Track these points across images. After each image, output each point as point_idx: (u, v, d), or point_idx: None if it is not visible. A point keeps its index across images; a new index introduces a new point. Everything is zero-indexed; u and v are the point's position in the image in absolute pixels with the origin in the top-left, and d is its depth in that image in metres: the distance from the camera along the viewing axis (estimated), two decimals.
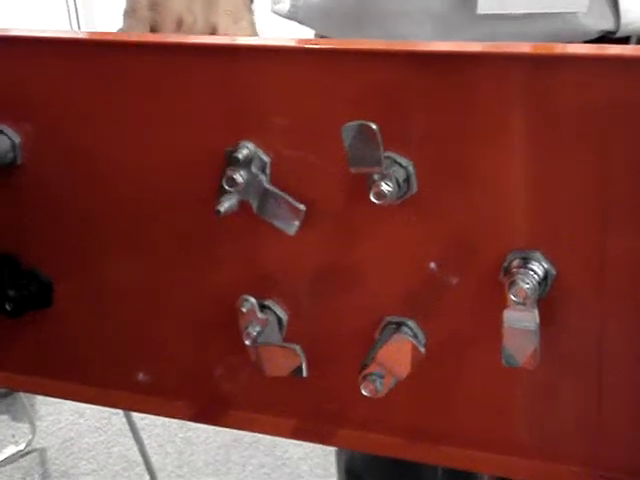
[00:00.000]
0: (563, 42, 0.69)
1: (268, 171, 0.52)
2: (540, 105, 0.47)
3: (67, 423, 2.10)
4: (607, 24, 0.70)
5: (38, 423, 2.06)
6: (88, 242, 0.60)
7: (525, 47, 0.48)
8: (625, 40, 0.72)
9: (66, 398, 0.66)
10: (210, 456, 1.98)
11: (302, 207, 0.52)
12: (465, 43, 0.48)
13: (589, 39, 0.70)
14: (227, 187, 0.51)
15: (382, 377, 0.51)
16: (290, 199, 0.51)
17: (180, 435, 2.03)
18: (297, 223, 0.52)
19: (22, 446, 2.00)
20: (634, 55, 0.44)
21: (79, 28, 2.52)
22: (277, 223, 0.52)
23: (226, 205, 0.51)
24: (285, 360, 0.54)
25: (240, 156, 0.51)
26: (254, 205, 0.52)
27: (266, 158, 0.52)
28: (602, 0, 0.69)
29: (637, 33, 0.71)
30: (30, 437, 2.01)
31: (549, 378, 0.51)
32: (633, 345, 0.49)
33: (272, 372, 0.54)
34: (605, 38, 0.70)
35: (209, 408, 0.61)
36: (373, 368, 0.51)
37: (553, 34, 0.69)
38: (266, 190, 0.51)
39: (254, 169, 0.51)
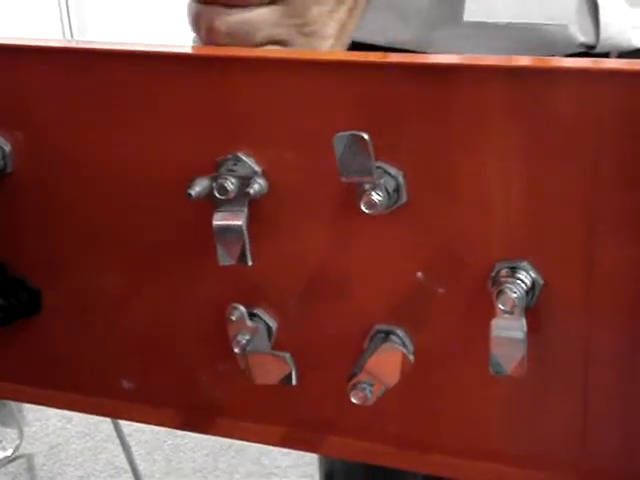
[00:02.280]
0: (545, 51, 0.70)
1: (259, 189, 0.52)
2: (529, 116, 0.47)
3: (55, 429, 2.09)
4: (588, 37, 0.70)
5: (26, 429, 2.05)
6: (76, 250, 0.60)
7: (519, 60, 0.48)
8: (604, 57, 0.72)
9: (52, 406, 0.66)
10: (198, 463, 1.98)
11: (250, 263, 0.52)
12: (458, 55, 0.49)
13: (570, 53, 0.71)
14: (217, 195, 0.51)
15: (371, 385, 0.51)
16: (247, 249, 0.51)
17: (168, 442, 2.03)
18: (233, 263, 0.52)
19: (9, 452, 1.99)
20: (627, 69, 0.45)
21: (72, 36, 2.52)
22: (219, 248, 0.52)
23: (197, 189, 0.51)
24: (275, 368, 0.54)
25: (234, 167, 0.52)
26: (216, 219, 0.51)
27: (262, 181, 0.52)
28: (584, 13, 0.70)
29: (615, 49, 0.71)
30: (18, 442, 2.01)
31: (536, 386, 0.51)
32: (620, 354, 0.49)
33: (261, 380, 0.54)
34: (584, 54, 0.71)
35: (196, 416, 0.61)
36: (362, 376, 0.51)
37: (535, 41, 0.70)
38: (238, 226, 0.51)
39: (246, 188, 0.51)
